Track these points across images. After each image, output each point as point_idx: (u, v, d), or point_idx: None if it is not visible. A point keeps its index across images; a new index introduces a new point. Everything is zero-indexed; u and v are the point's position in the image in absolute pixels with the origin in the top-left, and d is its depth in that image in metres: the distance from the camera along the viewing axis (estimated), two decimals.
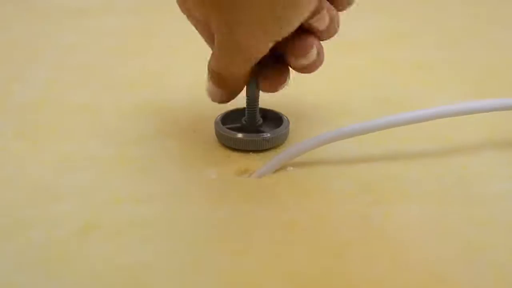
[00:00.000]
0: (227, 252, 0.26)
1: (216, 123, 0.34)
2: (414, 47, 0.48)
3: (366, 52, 0.47)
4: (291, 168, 0.32)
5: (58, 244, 0.26)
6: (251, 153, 0.33)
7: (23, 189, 0.30)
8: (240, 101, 0.34)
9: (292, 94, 0.34)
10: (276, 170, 0.31)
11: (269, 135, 0.33)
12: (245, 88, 0.33)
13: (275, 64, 0.32)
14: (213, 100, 0.33)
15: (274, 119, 0.35)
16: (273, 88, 0.32)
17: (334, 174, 0.32)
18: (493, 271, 0.25)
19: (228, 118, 0.35)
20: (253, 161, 0.32)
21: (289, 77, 0.32)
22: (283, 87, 0.32)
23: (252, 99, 0.33)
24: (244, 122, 0.34)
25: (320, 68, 0.31)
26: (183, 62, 0.46)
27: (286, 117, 0.34)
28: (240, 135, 0.33)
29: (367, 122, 0.31)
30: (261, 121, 0.34)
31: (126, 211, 0.28)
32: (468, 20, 0.56)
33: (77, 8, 0.56)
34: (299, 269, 0.25)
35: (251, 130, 0.33)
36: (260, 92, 0.33)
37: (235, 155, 0.33)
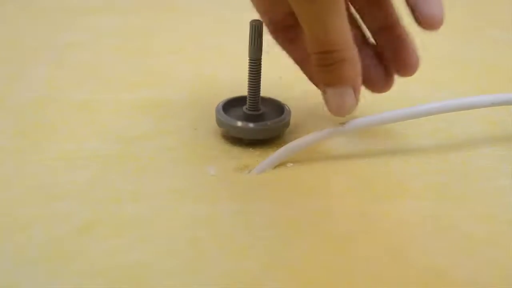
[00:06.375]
0: (227, 249, 0.26)
1: (217, 110, 0.34)
2: None
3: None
4: (291, 164, 0.32)
5: (58, 242, 0.26)
6: (251, 149, 0.33)
7: (22, 187, 0.30)
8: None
9: (292, 90, 0.34)
10: (276, 166, 0.31)
11: (269, 123, 0.33)
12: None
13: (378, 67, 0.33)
14: (346, 107, 0.29)
15: (275, 108, 0.35)
16: (379, 90, 0.33)
17: (334, 170, 0.32)
18: (493, 267, 0.25)
19: (230, 105, 0.34)
20: (253, 157, 0.32)
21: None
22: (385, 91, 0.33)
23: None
24: (245, 110, 0.34)
25: None
26: (183, 61, 0.46)
27: (288, 107, 0.34)
28: (239, 123, 0.33)
29: (366, 118, 0.31)
30: (261, 109, 0.34)
31: (125, 209, 0.28)
32: (468, 18, 0.56)
33: (77, 7, 0.56)
34: (299, 265, 0.25)
35: (251, 117, 0.33)
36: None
37: (234, 151, 0.33)
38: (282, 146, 0.32)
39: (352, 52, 0.28)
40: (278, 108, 0.34)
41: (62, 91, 0.40)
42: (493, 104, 0.32)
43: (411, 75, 0.32)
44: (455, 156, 0.33)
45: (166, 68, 0.44)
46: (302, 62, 0.33)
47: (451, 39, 0.50)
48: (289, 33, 0.33)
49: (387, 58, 0.32)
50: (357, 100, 0.29)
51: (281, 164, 0.31)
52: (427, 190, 0.30)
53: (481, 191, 0.30)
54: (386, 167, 0.32)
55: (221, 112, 0.34)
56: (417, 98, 0.39)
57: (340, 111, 0.30)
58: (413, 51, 0.32)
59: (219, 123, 0.34)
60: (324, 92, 0.29)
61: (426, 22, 0.30)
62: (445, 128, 0.35)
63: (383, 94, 0.34)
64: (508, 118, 0.36)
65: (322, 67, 0.29)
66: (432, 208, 0.29)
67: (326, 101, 0.30)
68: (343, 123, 0.31)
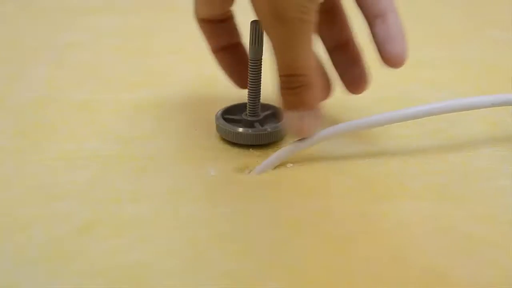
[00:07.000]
0: (227, 250, 0.26)
1: (217, 117, 0.34)
2: (413, 46, 0.48)
3: (365, 50, 0.47)
4: (291, 164, 0.32)
5: (58, 242, 0.26)
6: (251, 149, 0.33)
7: (22, 187, 0.30)
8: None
9: None
10: (276, 167, 0.31)
11: (269, 129, 0.33)
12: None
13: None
14: (305, 130, 0.30)
15: (274, 114, 0.35)
16: (357, 90, 0.34)
17: (334, 170, 0.32)
18: (493, 267, 0.25)
19: (229, 112, 0.35)
20: (253, 157, 0.32)
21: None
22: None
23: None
24: (244, 117, 0.34)
25: None
26: (183, 61, 0.46)
27: None
28: (240, 129, 0.33)
29: (365, 119, 0.31)
30: (261, 115, 0.34)
31: (125, 209, 0.28)
32: (468, 18, 0.56)
33: (77, 7, 0.56)
34: (299, 265, 0.25)
35: (251, 124, 0.34)
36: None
37: (234, 151, 0.33)
38: (282, 146, 0.32)
39: (316, 77, 0.29)
40: (278, 113, 0.35)
41: (62, 91, 0.40)
42: (493, 105, 0.32)
43: (359, 93, 0.34)
44: (455, 157, 0.33)
45: (166, 68, 0.44)
46: (217, 52, 0.35)
47: (451, 39, 0.50)
48: (214, 25, 0.34)
49: (339, 74, 0.34)
50: (317, 124, 0.30)
51: (281, 165, 0.31)
52: (427, 190, 0.30)
53: (481, 191, 0.30)
54: (386, 167, 0.32)
55: (221, 119, 0.34)
56: (417, 98, 0.39)
57: (299, 133, 0.30)
58: (364, 71, 0.33)
59: (219, 129, 0.34)
60: (286, 114, 0.30)
61: (390, 60, 0.31)
62: (445, 129, 0.35)
63: (383, 95, 0.34)
64: (509, 118, 0.36)
65: (287, 90, 0.29)
66: (432, 209, 0.29)
67: (287, 123, 0.30)
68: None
